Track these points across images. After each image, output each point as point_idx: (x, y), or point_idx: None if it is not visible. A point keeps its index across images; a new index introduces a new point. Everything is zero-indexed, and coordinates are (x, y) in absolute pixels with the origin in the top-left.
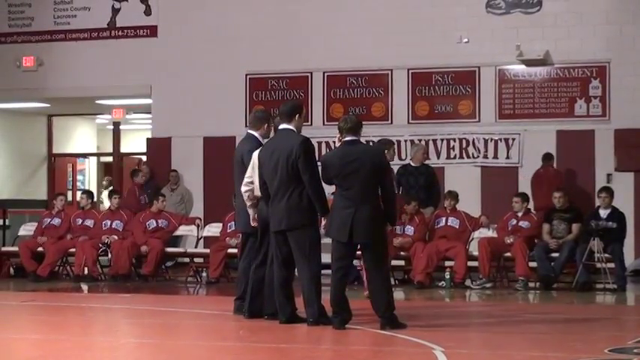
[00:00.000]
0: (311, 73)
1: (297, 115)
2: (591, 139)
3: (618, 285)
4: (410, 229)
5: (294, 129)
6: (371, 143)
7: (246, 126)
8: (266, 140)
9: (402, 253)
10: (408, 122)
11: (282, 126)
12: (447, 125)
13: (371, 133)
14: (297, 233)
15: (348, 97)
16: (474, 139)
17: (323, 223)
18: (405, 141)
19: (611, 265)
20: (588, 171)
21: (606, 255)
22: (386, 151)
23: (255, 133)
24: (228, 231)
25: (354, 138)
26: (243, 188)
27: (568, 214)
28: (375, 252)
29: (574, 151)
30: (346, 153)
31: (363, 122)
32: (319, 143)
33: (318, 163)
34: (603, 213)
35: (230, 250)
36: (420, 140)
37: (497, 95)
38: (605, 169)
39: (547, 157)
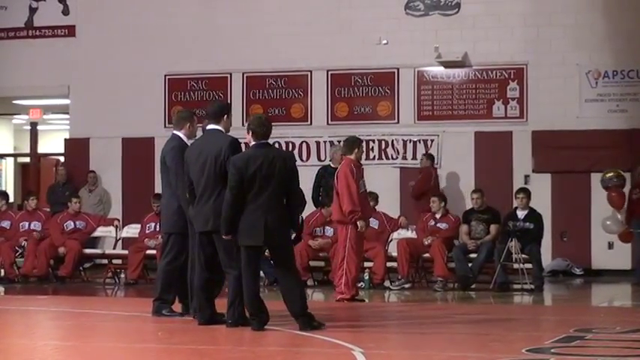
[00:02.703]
0: (230, 74)
1: (225, 116)
2: (509, 140)
3: (536, 285)
4: (330, 231)
5: (223, 129)
6: (298, 144)
7: (165, 127)
8: (191, 140)
9: (321, 254)
10: (328, 123)
11: (210, 126)
12: (366, 126)
13: (290, 134)
14: None
15: (268, 98)
16: (392, 141)
17: None
18: (325, 142)
19: (529, 265)
20: (506, 172)
21: (524, 256)
22: (356, 150)
23: (179, 133)
24: (147, 232)
25: (265, 141)
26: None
27: (486, 215)
28: (284, 254)
29: (492, 152)
30: (259, 156)
31: (283, 123)
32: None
33: None
34: (521, 214)
35: (149, 252)
36: (339, 141)
37: (416, 97)
38: (522, 170)
39: (429, 157)
